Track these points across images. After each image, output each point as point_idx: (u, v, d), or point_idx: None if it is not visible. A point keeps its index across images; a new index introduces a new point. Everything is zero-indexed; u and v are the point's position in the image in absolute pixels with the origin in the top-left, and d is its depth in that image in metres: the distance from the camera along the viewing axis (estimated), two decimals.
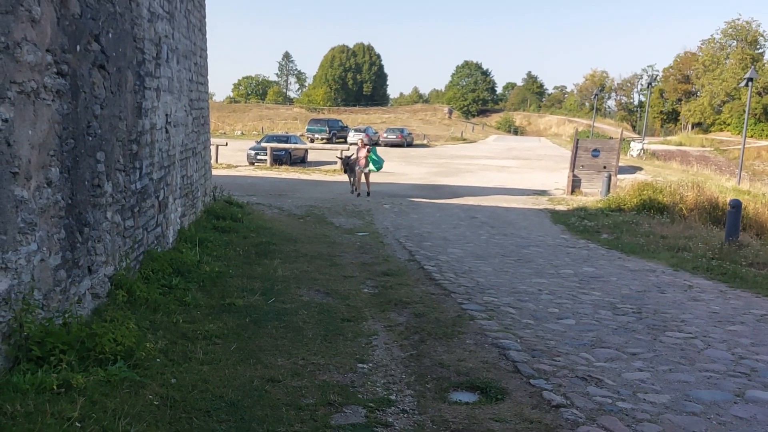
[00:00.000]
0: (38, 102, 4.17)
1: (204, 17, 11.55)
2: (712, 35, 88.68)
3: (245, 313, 5.95)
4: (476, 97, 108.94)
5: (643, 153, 45.02)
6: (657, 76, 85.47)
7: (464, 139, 65.95)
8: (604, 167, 21.54)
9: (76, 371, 3.84)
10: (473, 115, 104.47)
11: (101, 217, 5.55)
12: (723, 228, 12.76)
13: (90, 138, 5.16)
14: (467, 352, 5.18)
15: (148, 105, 7.02)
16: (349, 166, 19.49)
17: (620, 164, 24.27)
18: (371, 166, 18.81)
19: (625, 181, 22.34)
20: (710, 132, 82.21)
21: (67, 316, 4.29)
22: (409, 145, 50.09)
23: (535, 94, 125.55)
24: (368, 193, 18.70)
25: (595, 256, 10.85)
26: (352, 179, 19.31)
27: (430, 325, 5.89)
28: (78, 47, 4.83)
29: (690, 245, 11.60)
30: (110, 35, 5.56)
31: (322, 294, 7.04)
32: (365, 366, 4.82)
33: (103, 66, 5.39)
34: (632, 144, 48.02)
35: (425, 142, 56.82)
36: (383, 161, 19.52)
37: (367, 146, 19.26)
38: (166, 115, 8.05)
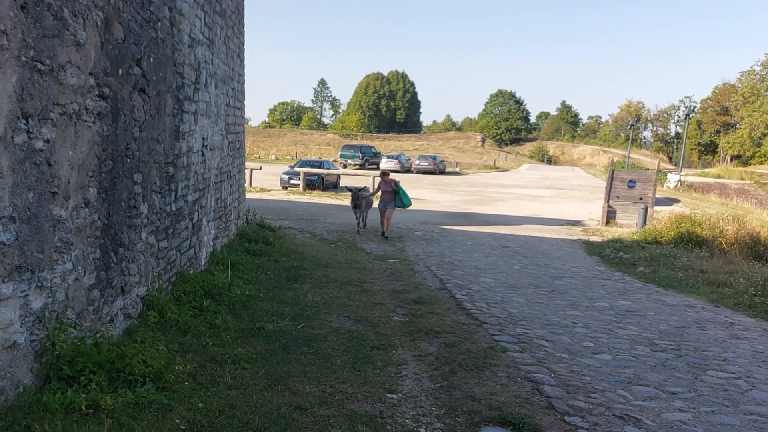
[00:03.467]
0: (79, 123, 4.25)
1: (243, 44, 11.78)
2: (751, 67, 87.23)
3: (274, 338, 5.91)
4: (509, 126, 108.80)
5: (681, 185, 44.15)
6: (695, 107, 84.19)
7: (497, 168, 65.68)
8: (641, 198, 21.16)
9: (105, 392, 3.84)
10: (506, 144, 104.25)
11: (136, 238, 5.61)
12: (765, 264, 12.34)
13: (128, 160, 5.24)
14: (499, 385, 5.04)
15: (185, 128, 7.14)
16: (358, 201, 15.58)
17: (657, 196, 23.84)
18: (399, 202, 15.45)
19: (662, 213, 21.89)
20: (750, 165, 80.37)
21: (98, 336, 4.30)
22: (442, 172, 50.05)
23: (569, 123, 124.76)
24: (384, 234, 15.17)
25: (632, 290, 10.57)
26: (357, 215, 15.82)
27: (461, 356, 5.77)
28: (120, 71, 4.94)
29: (731, 281, 11.23)
30: (151, 60, 5.68)
31: (351, 321, 6.98)
32: (394, 396, 4.72)
33: (143, 89, 5.49)
34: (669, 176, 47.16)
35: (458, 169, 56.75)
36: (410, 201, 16.02)
37: (393, 181, 15.74)
38: (203, 138, 8.17)
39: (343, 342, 6.04)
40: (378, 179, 27.21)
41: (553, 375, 5.38)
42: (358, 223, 15.68)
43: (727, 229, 16.48)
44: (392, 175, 16.60)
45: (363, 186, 16.52)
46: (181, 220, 7.16)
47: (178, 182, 6.96)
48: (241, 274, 8.52)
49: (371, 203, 15.95)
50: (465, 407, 4.55)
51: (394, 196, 15.33)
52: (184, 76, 6.92)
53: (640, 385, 5.34)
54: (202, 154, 8.18)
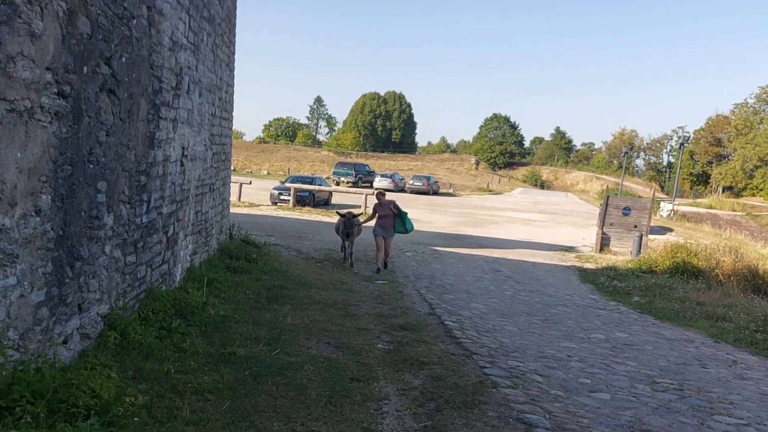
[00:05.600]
0: (32, 123, 3.82)
1: (233, 54, 11.41)
2: (745, 99, 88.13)
3: (245, 365, 5.44)
4: (503, 150, 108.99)
5: (674, 214, 44.01)
6: (689, 137, 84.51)
7: (490, 191, 65.51)
8: (635, 226, 20.83)
9: (41, 427, 3.35)
10: (500, 167, 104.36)
11: (98, 251, 5.14)
12: (765, 297, 11.96)
13: (91, 166, 4.80)
14: (489, 426, 4.57)
15: (162, 136, 6.71)
16: (351, 229, 12.90)
17: (650, 224, 23.53)
18: (400, 227, 12.97)
19: (656, 241, 21.57)
20: (742, 196, 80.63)
21: (41, 361, 3.82)
22: (435, 193, 49.79)
23: (562, 149, 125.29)
24: (386, 264, 13.04)
25: (628, 321, 10.14)
26: (346, 244, 13.26)
27: (448, 392, 5.30)
28: (85, 68, 4.52)
29: (730, 314, 10.83)
30: (123, 59, 5.26)
31: (332, 347, 6.51)
32: None
33: (112, 90, 5.07)
34: (662, 204, 47.03)
35: (451, 191, 56.50)
36: (413, 225, 13.44)
37: (392, 202, 13.15)
38: (183, 147, 7.74)
39: (321, 372, 5.57)
40: (372, 198, 27.01)
41: (547, 416, 4.92)
42: (349, 255, 13.11)
43: (724, 261, 16.14)
44: (387, 195, 13.82)
45: (358, 214, 13.70)
46: (153, 234, 6.70)
47: (151, 193, 6.51)
48: (218, 292, 8.04)
49: (360, 230, 13.78)
50: None
51: (394, 220, 12.89)
52: (162, 80, 6.51)
53: (642, 431, 4.88)
54: (182, 164, 7.74)
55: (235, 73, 11.74)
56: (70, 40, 4.24)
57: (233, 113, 11.71)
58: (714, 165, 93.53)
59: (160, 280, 7.11)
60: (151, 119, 6.26)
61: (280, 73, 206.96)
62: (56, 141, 4.15)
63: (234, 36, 11.34)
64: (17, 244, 3.78)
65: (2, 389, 3.48)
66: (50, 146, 4.08)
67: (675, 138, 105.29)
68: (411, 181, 49.29)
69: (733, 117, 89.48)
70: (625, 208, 21.18)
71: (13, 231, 3.73)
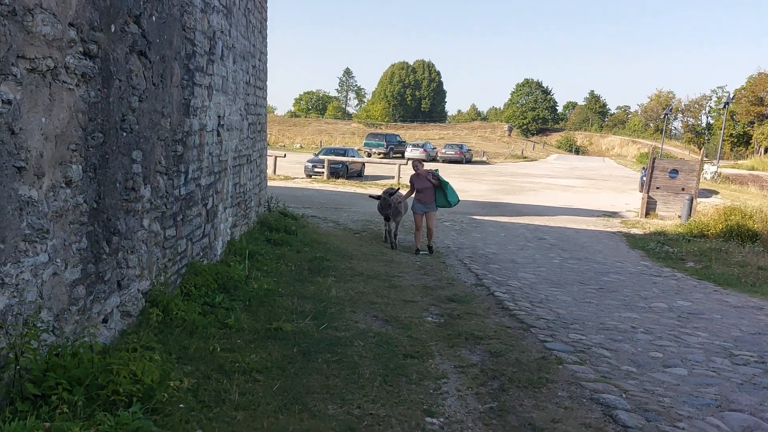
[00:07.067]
0: (56, 84, 3.47)
1: (265, 20, 10.97)
2: None
3: (293, 341, 5.13)
4: (536, 116, 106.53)
5: (717, 176, 42.48)
6: (732, 96, 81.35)
7: (524, 157, 64.28)
8: (683, 189, 19.96)
9: (79, 417, 3.07)
10: (533, 134, 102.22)
11: (136, 225, 4.85)
12: None
13: (124, 134, 4.47)
14: (562, 408, 4.18)
15: (197, 103, 6.36)
16: (389, 210, 11.12)
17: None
18: (442, 200, 11.06)
19: (701, 205, 20.69)
20: None
21: (77, 344, 3.53)
22: (468, 161, 48.97)
23: (597, 113, 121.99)
24: (430, 249, 11.14)
25: (687, 288, 9.58)
26: (389, 226, 11.56)
27: (511, 369, 4.91)
28: (113, 26, 4.15)
29: None
30: (153, 18, 4.89)
31: (380, 321, 6.16)
32: (435, 421, 3.89)
33: (143, 53, 4.71)
34: (705, 167, 45.46)
35: (484, 159, 55.55)
36: (458, 197, 11.32)
37: (431, 172, 11.16)
38: (219, 116, 7.40)
39: (372, 347, 5.23)
40: (407, 169, 26.46)
41: (624, 395, 4.49)
42: (393, 237, 11.49)
43: None
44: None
45: (394, 188, 11.94)
46: (192, 206, 6.40)
47: (189, 163, 6.18)
48: (260, 265, 7.76)
49: (407, 207, 11.91)
50: None
51: (435, 193, 11.04)
52: (195, 43, 6.13)
53: (732, 410, 4.43)
54: (218, 134, 7.41)
55: (267, 41, 11.32)
56: None
57: (267, 83, 11.32)
58: (756, 125, 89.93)
59: (201, 254, 6.84)
60: (186, 85, 5.90)
61: (309, 46, 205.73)
62: (85, 106, 3.81)
63: (265, 0, 10.89)
64: (47, 218, 3.48)
65: (37, 376, 3.22)
66: (78, 111, 3.74)
67: (714, 98, 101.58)
68: (443, 150, 48.52)
69: None
70: (672, 171, 20.28)
71: (41, 204, 3.42)
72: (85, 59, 3.79)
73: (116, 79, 4.27)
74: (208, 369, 4.24)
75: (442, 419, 3.93)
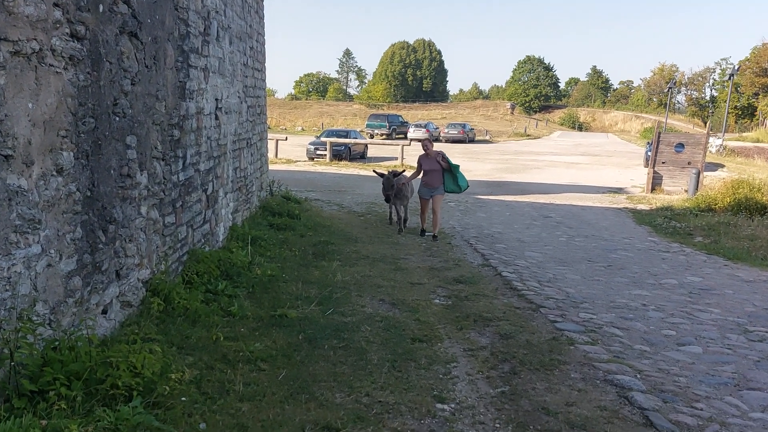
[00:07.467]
0: (42, 68, 3.32)
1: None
2: None
3: (298, 328, 5.02)
4: (538, 93, 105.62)
5: (723, 149, 42.10)
6: (737, 68, 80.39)
7: (528, 135, 63.80)
8: (689, 163, 19.72)
9: (77, 413, 2.97)
10: (535, 111, 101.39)
11: (133, 213, 4.72)
12: None
13: (117, 118, 4.32)
14: (575, 391, 4.06)
15: (193, 86, 6.19)
16: (390, 191, 10.73)
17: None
18: (451, 184, 10.48)
19: (708, 178, 20.46)
20: None
21: (75, 337, 3.42)
22: (471, 140, 48.61)
23: (599, 89, 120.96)
24: (434, 236, 10.38)
25: (696, 263, 9.44)
26: (394, 209, 11.39)
27: (522, 351, 4.80)
28: (101, 6, 3.98)
29: None
30: None
31: (387, 305, 6.05)
32: (446, 407, 3.79)
33: (134, 33, 4.54)
34: (710, 140, 45.06)
35: (487, 137, 55.16)
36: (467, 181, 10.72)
37: (440, 153, 10.53)
38: (216, 99, 7.23)
39: (379, 332, 5.12)
40: (410, 150, 26.28)
41: (639, 376, 4.37)
42: (400, 219, 11.07)
43: None
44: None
45: (401, 170, 11.69)
46: (191, 192, 6.26)
47: (187, 148, 6.04)
48: (263, 250, 7.64)
49: (413, 190, 11.53)
50: (538, 424, 3.59)
51: (443, 175, 10.42)
52: (189, 23, 5.95)
53: (750, 389, 4.31)
54: (216, 118, 7.25)
55: (264, 22, 11.10)
56: None
57: (265, 64, 11.12)
58: (761, 97, 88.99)
59: (203, 240, 6.72)
60: (180, 67, 5.74)
61: (307, 27, 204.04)
62: (74, 90, 3.66)
63: None
64: (38, 207, 3.35)
65: (33, 372, 3.11)
66: (67, 96, 3.60)
67: (718, 71, 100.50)
68: (446, 130, 48.12)
69: None
70: (678, 145, 20.03)
71: (31, 193, 3.29)
72: (73, 41, 3.63)
73: (106, 62, 4.11)
74: (212, 359, 4.13)
75: (452, 405, 3.82)
